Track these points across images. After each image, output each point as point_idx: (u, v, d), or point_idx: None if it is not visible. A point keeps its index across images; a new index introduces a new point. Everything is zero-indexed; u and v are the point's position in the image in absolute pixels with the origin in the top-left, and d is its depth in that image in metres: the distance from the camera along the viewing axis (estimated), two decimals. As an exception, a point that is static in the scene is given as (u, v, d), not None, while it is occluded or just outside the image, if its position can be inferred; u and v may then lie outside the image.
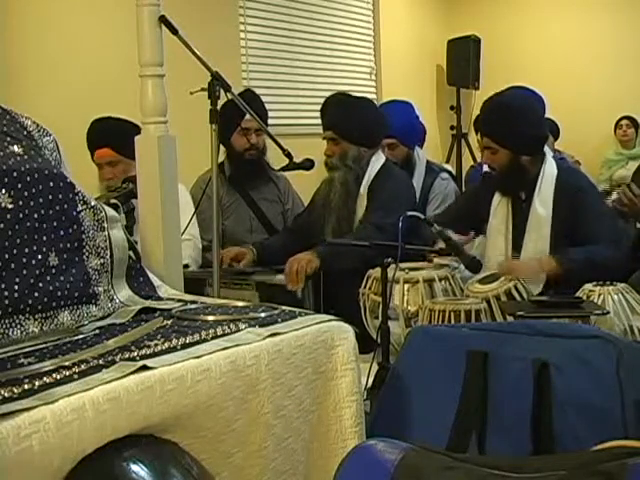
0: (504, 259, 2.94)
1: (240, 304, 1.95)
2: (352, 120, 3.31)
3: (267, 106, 3.66)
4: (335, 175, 3.34)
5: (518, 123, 2.91)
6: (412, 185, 3.61)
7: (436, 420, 1.83)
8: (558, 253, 2.82)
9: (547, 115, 4.35)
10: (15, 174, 1.69)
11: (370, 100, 3.64)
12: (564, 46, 6.71)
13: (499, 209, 3.05)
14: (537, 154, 2.98)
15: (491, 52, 6.64)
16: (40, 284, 1.70)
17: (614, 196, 3.33)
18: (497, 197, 3.07)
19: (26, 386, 1.30)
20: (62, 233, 1.78)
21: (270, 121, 3.63)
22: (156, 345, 1.54)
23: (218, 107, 2.52)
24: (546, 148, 3.10)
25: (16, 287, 1.64)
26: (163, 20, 2.26)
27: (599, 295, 2.50)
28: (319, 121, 3.47)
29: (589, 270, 2.73)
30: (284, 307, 1.85)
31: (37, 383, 1.32)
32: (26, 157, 1.77)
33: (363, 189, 3.31)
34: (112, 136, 3.02)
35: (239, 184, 3.67)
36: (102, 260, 1.88)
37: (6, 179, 1.67)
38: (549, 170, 2.96)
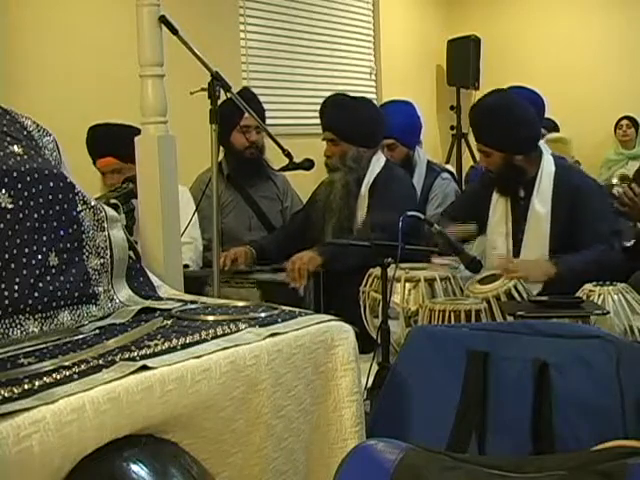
0: (504, 257, 2.95)
1: (240, 304, 1.95)
2: (350, 120, 3.30)
3: (267, 106, 3.67)
4: (336, 177, 3.34)
5: (504, 124, 2.93)
6: (413, 185, 3.61)
7: (436, 420, 1.83)
8: (557, 257, 2.82)
9: (547, 115, 4.36)
10: (15, 174, 1.69)
11: (369, 100, 3.64)
12: (564, 46, 6.70)
13: (498, 207, 3.07)
14: (530, 152, 2.99)
15: (491, 52, 6.63)
16: (40, 284, 1.70)
17: (615, 190, 3.34)
18: (496, 195, 3.08)
19: (26, 386, 1.30)
20: (62, 233, 1.78)
21: (270, 121, 3.63)
22: (156, 345, 1.54)
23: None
24: (544, 147, 3.11)
25: (16, 287, 1.64)
26: (163, 20, 2.26)
27: (599, 295, 2.50)
28: (319, 121, 3.47)
29: (586, 275, 2.74)
30: (284, 307, 1.85)
31: (37, 383, 1.31)
32: (26, 157, 1.77)
33: (364, 190, 3.31)
34: (115, 144, 2.97)
35: (238, 182, 3.68)
36: (102, 260, 1.88)
37: (6, 179, 1.67)
38: (547, 168, 2.98)
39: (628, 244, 3.22)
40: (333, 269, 3.05)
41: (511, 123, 2.93)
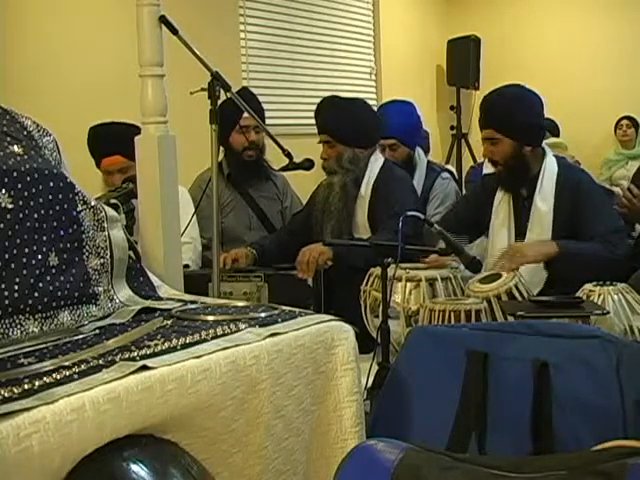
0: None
1: (240, 304, 1.95)
2: (345, 122, 3.30)
3: (267, 106, 3.67)
4: (334, 179, 3.34)
5: (517, 111, 2.96)
6: (414, 185, 3.61)
7: (436, 420, 1.83)
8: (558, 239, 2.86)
9: (547, 115, 4.36)
10: (15, 174, 1.69)
11: (362, 100, 3.62)
12: (564, 46, 6.71)
13: (501, 207, 3.07)
14: (537, 145, 3.01)
15: (491, 52, 6.64)
16: (40, 284, 1.70)
17: (615, 189, 3.37)
18: (498, 196, 3.08)
19: (26, 386, 1.30)
20: (62, 233, 1.78)
21: (270, 121, 3.63)
22: (156, 345, 1.54)
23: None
24: (547, 147, 3.12)
25: (16, 287, 1.64)
26: (163, 20, 2.26)
27: (599, 295, 2.49)
28: (317, 122, 3.47)
29: (584, 263, 2.75)
30: (284, 307, 1.86)
31: (37, 383, 1.31)
32: (26, 157, 1.77)
33: (364, 190, 3.31)
34: (121, 142, 2.93)
35: (238, 182, 3.68)
36: (102, 260, 1.88)
37: (6, 179, 1.67)
38: (550, 167, 3.00)
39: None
40: (340, 266, 3.05)
41: (524, 111, 2.97)
